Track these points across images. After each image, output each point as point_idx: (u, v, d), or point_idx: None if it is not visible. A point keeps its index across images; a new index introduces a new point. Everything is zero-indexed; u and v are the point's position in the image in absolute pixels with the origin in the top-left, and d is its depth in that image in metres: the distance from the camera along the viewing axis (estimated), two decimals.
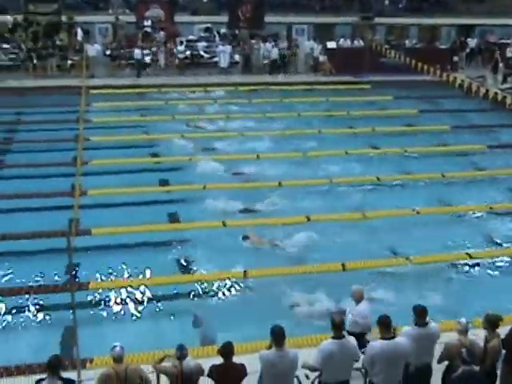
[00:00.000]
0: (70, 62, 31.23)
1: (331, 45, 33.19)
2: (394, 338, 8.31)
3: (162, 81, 29.90)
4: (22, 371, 10.00)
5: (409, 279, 13.39)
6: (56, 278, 13.00)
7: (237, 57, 32.36)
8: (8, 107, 26.03)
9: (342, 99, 28.11)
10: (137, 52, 30.78)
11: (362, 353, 8.48)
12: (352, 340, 8.45)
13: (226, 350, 8.18)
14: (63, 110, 24.94)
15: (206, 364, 8.39)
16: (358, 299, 9.80)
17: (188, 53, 32.27)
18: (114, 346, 8.18)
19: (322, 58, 32.37)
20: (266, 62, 32.32)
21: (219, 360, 8.21)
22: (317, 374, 8.55)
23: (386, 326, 8.30)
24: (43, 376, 7.88)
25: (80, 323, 9.57)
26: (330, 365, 8.27)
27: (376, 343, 8.31)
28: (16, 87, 28.49)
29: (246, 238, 14.99)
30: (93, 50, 30.91)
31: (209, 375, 8.24)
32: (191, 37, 34.23)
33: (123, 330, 11.55)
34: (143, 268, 13.55)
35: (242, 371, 8.23)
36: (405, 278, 13.45)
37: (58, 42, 32.09)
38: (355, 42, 34.04)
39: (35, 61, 30.76)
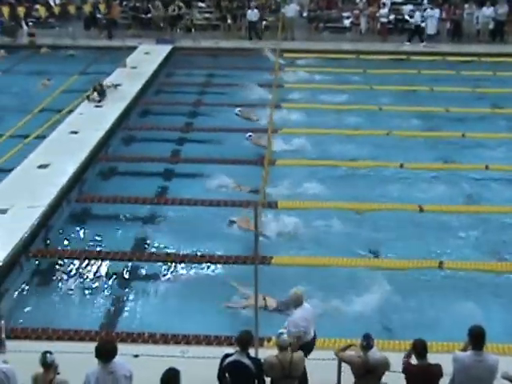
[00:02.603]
0: (264, 22, 31.95)
1: None
2: None
3: (362, 47, 29.67)
4: (211, 342, 10.63)
5: None
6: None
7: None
8: (200, 68, 27.28)
9: None
10: (250, 13, 30.95)
11: None
12: None
13: (423, 349, 8.03)
14: (255, 74, 25.72)
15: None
16: (296, 304, 9.32)
17: (392, 17, 31.69)
18: (280, 334, 8.31)
19: None
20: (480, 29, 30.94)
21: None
22: None
23: None
24: (231, 351, 8.28)
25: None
26: None
27: None
28: (209, 47, 29.75)
29: (232, 222, 14.63)
30: (290, 10, 31.27)
31: (404, 372, 8.17)
32: None
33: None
34: (328, 248, 13.72)
35: (438, 373, 8.07)
36: None
37: (253, 2, 32.92)
38: None
39: (229, 21, 31.83)
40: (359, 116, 21.72)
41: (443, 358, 8.41)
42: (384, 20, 31.25)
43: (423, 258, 13.29)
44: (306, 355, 8.90)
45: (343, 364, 8.68)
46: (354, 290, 12.30)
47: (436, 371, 8.06)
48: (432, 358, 8.19)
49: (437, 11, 30.78)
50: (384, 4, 31.81)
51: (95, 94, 21.85)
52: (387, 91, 24.26)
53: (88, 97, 21.93)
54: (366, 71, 26.57)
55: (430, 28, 30.69)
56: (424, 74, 26.31)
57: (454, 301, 11.92)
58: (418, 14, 30.61)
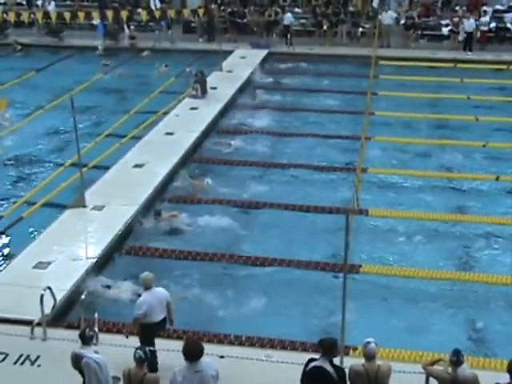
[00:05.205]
0: (360, 29, 31.70)
1: None
2: None
3: (459, 55, 28.99)
4: (296, 347, 10.58)
5: None
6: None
7: None
8: (294, 73, 27.27)
9: None
10: (288, 16, 30.74)
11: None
12: None
13: None
14: (350, 81, 25.63)
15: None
16: (145, 287, 9.67)
17: (493, 25, 30.79)
18: (368, 343, 8.16)
19: None
20: None
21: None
22: None
23: None
24: (316, 356, 8.18)
25: (348, 307, 9.74)
26: None
27: None
28: (304, 53, 29.75)
29: (157, 214, 14.76)
30: (387, 17, 30.83)
31: None
32: (498, 6, 32.61)
33: (392, 323, 11.56)
34: (418, 259, 13.48)
35: None
36: None
37: (350, 8, 32.72)
38: None
39: (325, 27, 31.67)
40: (455, 126, 21.24)
41: None
42: (484, 28, 30.36)
43: None
44: (148, 340, 9.36)
45: (431, 379, 8.48)
46: (443, 303, 12.10)
47: None
48: None
49: None
50: (485, 12, 30.89)
51: (197, 85, 22.55)
52: (485, 101, 23.65)
53: (191, 90, 22.77)
54: (463, 81, 25.94)
55: None
56: None
57: None
58: (471, 22, 29.58)
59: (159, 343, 9.89)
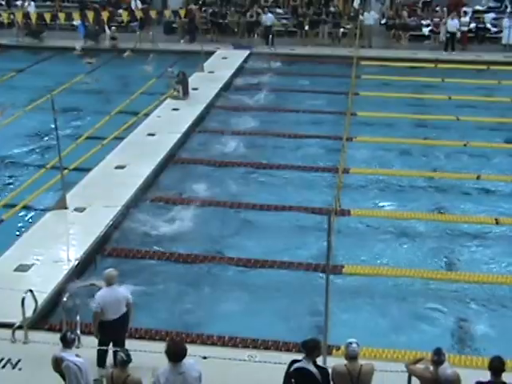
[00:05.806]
0: (342, 30, 31.78)
1: None
2: None
3: (440, 56, 29.17)
4: (279, 347, 10.57)
5: None
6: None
7: None
8: (276, 73, 27.30)
9: None
10: (268, 16, 30.98)
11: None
12: None
13: (499, 366, 7.77)
14: (331, 81, 25.66)
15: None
16: (107, 283, 9.65)
17: (472, 25, 31.00)
18: (350, 343, 8.18)
19: None
20: None
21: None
22: None
23: None
24: (299, 357, 8.19)
25: (331, 307, 9.77)
26: None
27: None
28: (285, 54, 29.76)
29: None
30: (369, 18, 30.94)
31: None
32: (478, 7, 32.84)
33: (374, 322, 11.61)
34: (401, 258, 13.54)
35: None
36: None
37: (331, 9, 32.77)
38: None
39: (306, 27, 31.73)
40: (437, 126, 21.36)
41: None
42: (464, 29, 30.54)
43: (499, 273, 12.96)
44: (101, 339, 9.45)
45: (413, 377, 8.52)
46: (425, 302, 12.15)
47: None
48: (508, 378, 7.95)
49: None
50: (465, 12, 31.10)
51: (179, 86, 22.55)
52: (466, 101, 23.81)
53: (173, 91, 22.73)
54: (444, 80, 26.10)
55: (507, 37, 29.95)
56: (504, 85, 25.62)
57: None
58: (455, 22, 29.71)
59: (142, 345, 9.85)
